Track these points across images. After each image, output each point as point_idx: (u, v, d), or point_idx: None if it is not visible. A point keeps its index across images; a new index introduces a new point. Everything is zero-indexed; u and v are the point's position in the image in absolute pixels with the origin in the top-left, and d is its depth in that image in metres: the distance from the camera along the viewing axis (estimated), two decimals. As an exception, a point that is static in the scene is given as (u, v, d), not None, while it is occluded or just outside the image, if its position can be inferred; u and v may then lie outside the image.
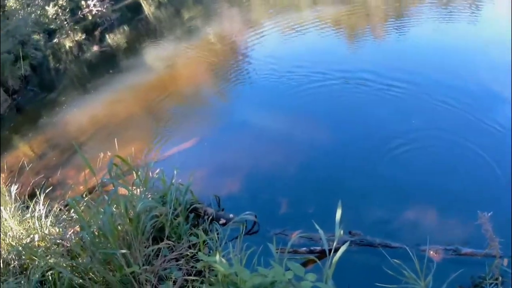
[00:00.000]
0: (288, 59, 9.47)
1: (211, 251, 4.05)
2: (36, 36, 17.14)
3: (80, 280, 3.52)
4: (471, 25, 9.87)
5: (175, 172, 4.76)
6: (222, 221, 4.72)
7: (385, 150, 5.63)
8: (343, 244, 3.13)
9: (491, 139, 5.43)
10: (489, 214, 3.48)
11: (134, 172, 4.57)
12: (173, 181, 4.73)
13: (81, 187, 6.06)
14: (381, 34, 10.27)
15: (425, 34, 9.59)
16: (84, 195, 4.82)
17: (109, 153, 5.79)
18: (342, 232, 3.23)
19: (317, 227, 3.34)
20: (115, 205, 4.12)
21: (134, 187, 4.61)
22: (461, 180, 4.91)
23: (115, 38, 17.66)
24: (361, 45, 9.82)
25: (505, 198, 4.41)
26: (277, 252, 3.24)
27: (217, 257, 3.00)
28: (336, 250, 3.06)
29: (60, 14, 19.72)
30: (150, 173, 4.88)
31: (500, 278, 3.34)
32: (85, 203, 4.35)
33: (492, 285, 3.31)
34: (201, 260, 3.35)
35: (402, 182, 5.06)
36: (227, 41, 12.56)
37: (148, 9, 21.48)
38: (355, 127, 6.43)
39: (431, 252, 3.96)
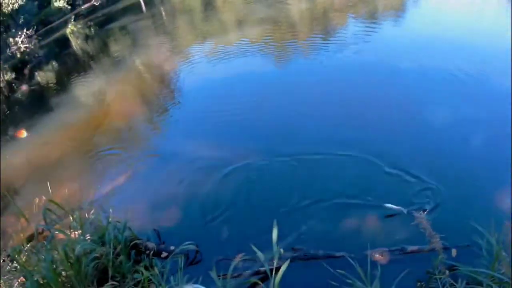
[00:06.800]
0: (214, 85, 9.87)
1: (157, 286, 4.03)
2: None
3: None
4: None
5: (110, 210, 4.78)
6: (164, 254, 4.69)
7: (312, 163, 6.00)
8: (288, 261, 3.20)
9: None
10: (425, 212, 3.73)
11: (70, 215, 4.61)
12: (110, 219, 4.69)
13: (22, 235, 6.02)
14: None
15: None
16: (23, 244, 4.82)
17: (44, 198, 5.79)
18: (282, 250, 3.36)
19: (255, 249, 3.38)
20: (56, 252, 4.09)
21: (72, 230, 4.60)
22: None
23: (44, 76, 17.32)
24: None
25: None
26: (220, 279, 3.31)
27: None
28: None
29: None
30: (86, 214, 4.88)
31: (447, 272, 3.47)
32: (26, 252, 4.35)
33: (442, 279, 3.43)
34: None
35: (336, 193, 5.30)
36: (155, 70, 12.74)
37: (75, 42, 21.22)
38: (281, 141, 6.80)
39: (377, 256, 4.06)
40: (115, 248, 4.37)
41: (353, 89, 8.13)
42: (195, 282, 3.61)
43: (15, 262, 4.81)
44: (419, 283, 3.75)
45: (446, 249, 3.78)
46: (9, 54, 20.25)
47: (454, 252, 3.74)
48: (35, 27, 21.54)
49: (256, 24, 14.05)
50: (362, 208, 4.93)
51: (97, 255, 4.23)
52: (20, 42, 19.85)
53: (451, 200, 4.76)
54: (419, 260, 4.00)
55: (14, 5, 21.09)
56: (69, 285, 3.91)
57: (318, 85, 8.59)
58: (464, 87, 7.39)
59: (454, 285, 3.27)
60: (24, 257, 4.45)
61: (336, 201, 5.12)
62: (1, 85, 17.02)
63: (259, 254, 3.33)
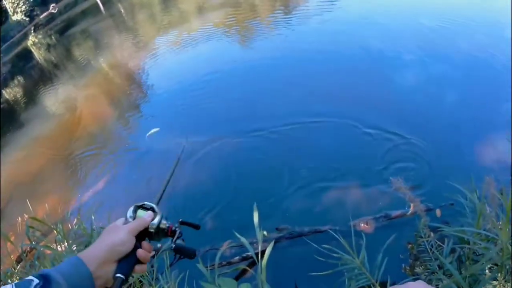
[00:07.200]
0: (183, 73, 9.77)
1: (149, 286, 3.95)
2: None
3: None
4: None
5: (93, 217, 4.75)
6: (152, 253, 4.60)
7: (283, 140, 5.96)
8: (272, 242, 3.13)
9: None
10: (401, 178, 3.73)
11: (53, 229, 4.54)
12: (94, 226, 4.64)
13: (11, 257, 5.94)
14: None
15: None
16: (13, 266, 4.74)
17: (26, 216, 5.69)
18: (265, 232, 3.32)
19: (238, 235, 3.29)
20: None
21: (58, 244, 4.52)
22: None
23: (11, 92, 17.01)
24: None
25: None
26: (208, 269, 3.28)
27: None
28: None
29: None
30: (70, 225, 4.81)
31: (432, 234, 3.41)
32: (17, 274, 4.28)
33: (428, 241, 3.38)
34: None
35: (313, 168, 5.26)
36: (121, 69, 12.57)
37: (38, 53, 20.85)
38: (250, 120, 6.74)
39: (363, 225, 4.04)
40: (103, 254, 4.28)
41: (321, 58, 8.13)
42: (183, 277, 3.58)
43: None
44: (409, 245, 3.76)
45: (430, 210, 3.79)
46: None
47: (438, 212, 3.74)
48: (-5, 45, 21.16)
49: (217, 9, 13.94)
50: (341, 176, 4.94)
51: (85, 264, 4.15)
52: (-18, 63, 19.49)
53: (431, 160, 4.78)
54: (407, 224, 3.98)
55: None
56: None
57: (285, 58, 8.64)
58: (436, 48, 7.41)
59: (442, 246, 3.28)
60: (16, 279, 4.36)
61: (314, 173, 5.11)
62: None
63: (243, 240, 3.27)
